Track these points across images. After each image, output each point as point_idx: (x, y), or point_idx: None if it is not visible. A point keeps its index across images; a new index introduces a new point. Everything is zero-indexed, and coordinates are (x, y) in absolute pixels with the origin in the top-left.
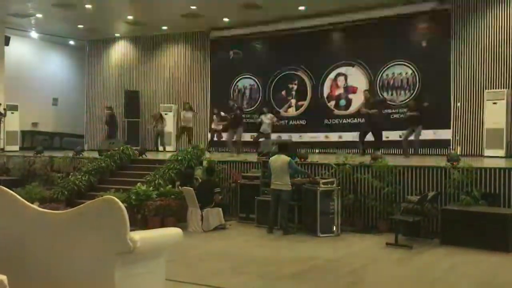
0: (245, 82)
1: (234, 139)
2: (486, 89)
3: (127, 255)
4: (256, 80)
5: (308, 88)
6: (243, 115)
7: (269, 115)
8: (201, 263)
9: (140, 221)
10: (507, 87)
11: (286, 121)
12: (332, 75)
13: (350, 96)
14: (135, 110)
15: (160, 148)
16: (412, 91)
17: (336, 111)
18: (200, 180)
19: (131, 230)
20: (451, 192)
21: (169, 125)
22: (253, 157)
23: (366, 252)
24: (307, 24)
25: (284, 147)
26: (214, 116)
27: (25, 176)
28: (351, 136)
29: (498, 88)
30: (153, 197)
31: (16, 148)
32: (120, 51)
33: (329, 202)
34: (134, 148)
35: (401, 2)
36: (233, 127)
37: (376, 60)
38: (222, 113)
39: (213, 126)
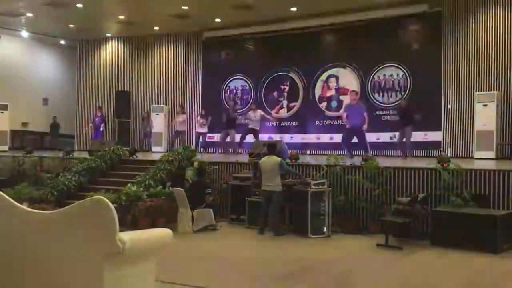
0: (237, 83)
1: (227, 140)
2: (476, 91)
3: (116, 255)
4: (248, 81)
5: (300, 90)
6: (236, 117)
7: (259, 111)
8: (191, 264)
9: (130, 222)
10: (498, 89)
11: (278, 122)
12: (323, 77)
13: (342, 97)
14: (125, 110)
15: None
16: (403, 93)
17: (328, 113)
18: (190, 181)
19: (121, 231)
20: (441, 194)
21: (160, 126)
22: (244, 158)
23: (357, 253)
24: (299, 26)
25: (273, 148)
26: (199, 117)
27: (15, 177)
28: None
29: (489, 90)
30: (144, 198)
31: (6, 148)
32: (111, 51)
33: (320, 203)
34: (125, 148)
35: (393, 4)
36: (226, 127)
37: (367, 62)
38: (203, 112)
39: (197, 129)
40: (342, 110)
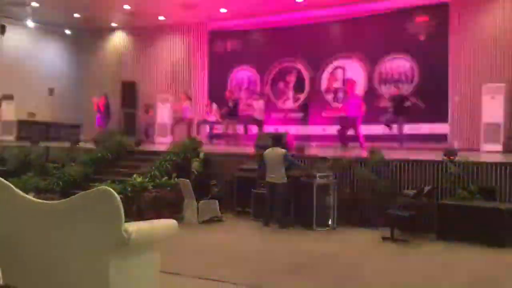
0: (243, 74)
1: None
2: (484, 83)
3: (122, 246)
4: (254, 72)
5: (306, 81)
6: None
7: (261, 101)
8: (196, 255)
9: (136, 213)
10: (505, 81)
11: (284, 113)
12: (330, 68)
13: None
14: (131, 101)
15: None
16: (410, 85)
17: (334, 104)
18: (196, 172)
19: (126, 222)
20: (447, 187)
21: (166, 117)
22: (249, 150)
23: (362, 246)
24: (306, 16)
25: (278, 140)
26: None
27: (21, 167)
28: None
29: (496, 83)
30: (149, 189)
31: (12, 138)
32: (117, 41)
33: (325, 195)
34: (131, 139)
35: None
36: (228, 117)
37: (375, 53)
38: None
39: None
40: None
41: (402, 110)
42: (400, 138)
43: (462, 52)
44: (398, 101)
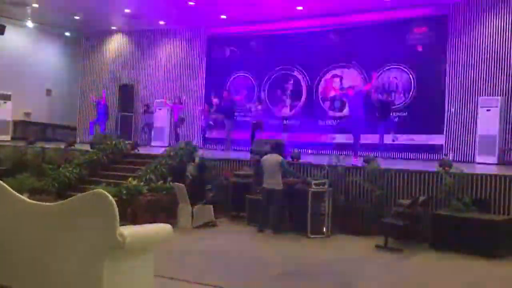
0: (241, 80)
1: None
2: (480, 95)
3: (116, 250)
4: (252, 79)
5: (303, 89)
6: (234, 108)
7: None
8: (190, 260)
9: (130, 216)
10: (501, 94)
11: (280, 121)
12: (327, 77)
13: (345, 97)
14: (129, 104)
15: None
16: (406, 95)
17: (330, 113)
18: (191, 177)
19: (121, 225)
20: (442, 197)
21: (163, 120)
22: (245, 155)
23: (355, 254)
24: (304, 24)
25: (276, 147)
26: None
27: (17, 166)
28: (344, 138)
29: (492, 95)
30: (144, 192)
31: (8, 138)
32: (116, 44)
33: (320, 203)
34: (127, 142)
35: (399, 7)
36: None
37: (372, 62)
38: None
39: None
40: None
41: (386, 116)
42: (382, 147)
43: (459, 64)
44: (384, 106)
